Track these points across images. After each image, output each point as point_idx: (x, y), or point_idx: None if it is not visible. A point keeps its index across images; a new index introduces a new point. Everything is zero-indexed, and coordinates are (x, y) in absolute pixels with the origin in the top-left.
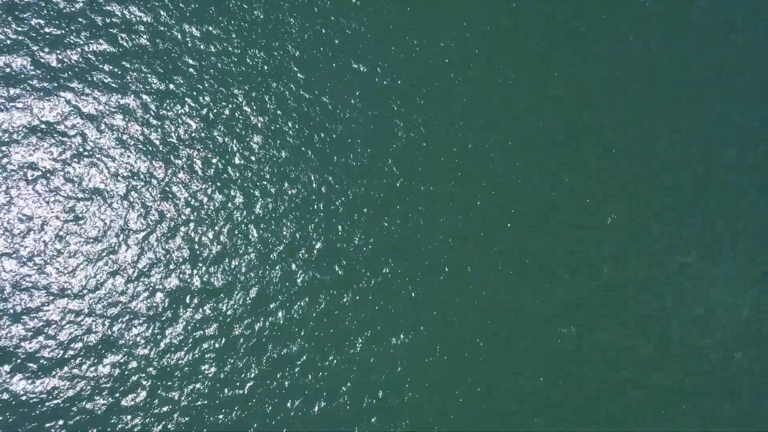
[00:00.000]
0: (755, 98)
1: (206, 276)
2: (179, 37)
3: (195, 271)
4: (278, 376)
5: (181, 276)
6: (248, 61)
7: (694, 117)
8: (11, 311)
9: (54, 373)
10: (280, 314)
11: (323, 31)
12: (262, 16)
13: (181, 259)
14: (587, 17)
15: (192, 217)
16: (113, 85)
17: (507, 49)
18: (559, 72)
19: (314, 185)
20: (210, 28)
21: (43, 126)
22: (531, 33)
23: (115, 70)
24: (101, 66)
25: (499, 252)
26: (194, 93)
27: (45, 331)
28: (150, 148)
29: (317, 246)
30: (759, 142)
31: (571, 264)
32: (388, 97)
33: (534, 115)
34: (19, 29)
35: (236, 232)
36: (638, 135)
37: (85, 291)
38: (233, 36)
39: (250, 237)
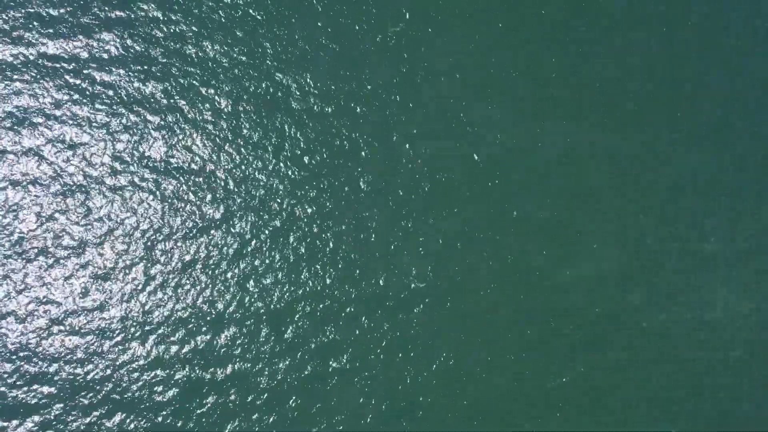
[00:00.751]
0: (756, 99)
1: (213, 367)
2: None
3: (203, 363)
4: None
5: (191, 366)
6: (258, 146)
7: (695, 117)
8: (17, 378)
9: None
10: (290, 403)
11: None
12: (271, 93)
13: (190, 350)
14: (587, 17)
15: (200, 301)
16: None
17: (505, 50)
18: (558, 72)
19: (323, 279)
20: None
21: (52, 213)
22: (530, 33)
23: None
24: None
25: (499, 255)
26: (206, 168)
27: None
28: (160, 231)
29: (325, 339)
30: (761, 143)
31: (570, 265)
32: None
33: (533, 115)
34: (33, 137)
35: (243, 328)
36: (638, 135)
37: (91, 357)
38: (243, 118)
39: (260, 333)
